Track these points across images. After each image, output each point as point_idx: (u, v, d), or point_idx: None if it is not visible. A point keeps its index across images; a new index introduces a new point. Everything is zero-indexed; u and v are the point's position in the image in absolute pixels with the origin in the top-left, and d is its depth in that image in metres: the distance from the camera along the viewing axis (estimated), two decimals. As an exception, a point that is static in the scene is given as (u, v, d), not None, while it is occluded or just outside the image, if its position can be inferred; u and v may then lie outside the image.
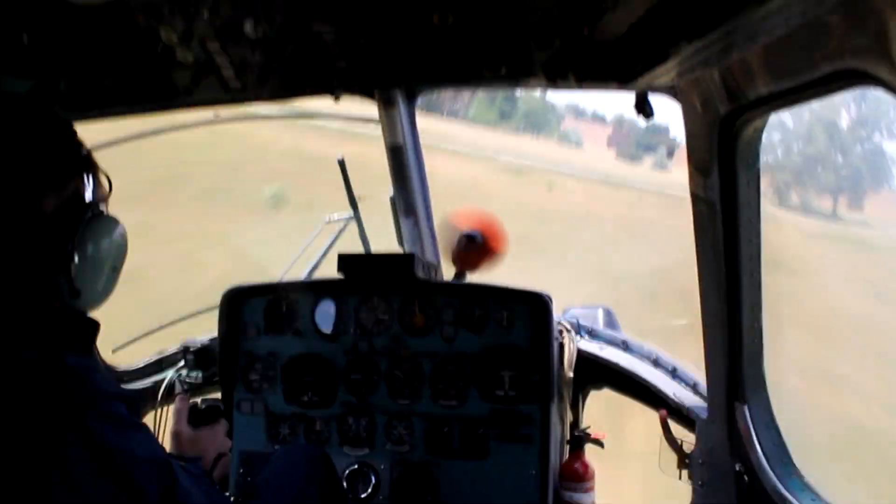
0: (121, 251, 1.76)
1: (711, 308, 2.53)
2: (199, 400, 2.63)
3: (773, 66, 1.76)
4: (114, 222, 1.75)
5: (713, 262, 2.41)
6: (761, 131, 2.12)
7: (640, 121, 2.48)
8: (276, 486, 2.24)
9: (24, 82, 2.33)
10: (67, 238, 1.62)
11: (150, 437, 1.67)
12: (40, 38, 2.24)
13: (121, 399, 1.59)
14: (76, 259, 1.62)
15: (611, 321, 3.60)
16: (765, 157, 2.18)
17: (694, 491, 2.90)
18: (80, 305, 1.67)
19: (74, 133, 1.73)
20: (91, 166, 1.74)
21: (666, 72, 2.11)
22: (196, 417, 2.53)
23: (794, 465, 2.51)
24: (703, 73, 2.06)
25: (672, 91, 2.32)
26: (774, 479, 2.45)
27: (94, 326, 1.71)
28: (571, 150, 51.94)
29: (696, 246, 2.47)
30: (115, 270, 1.75)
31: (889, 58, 1.30)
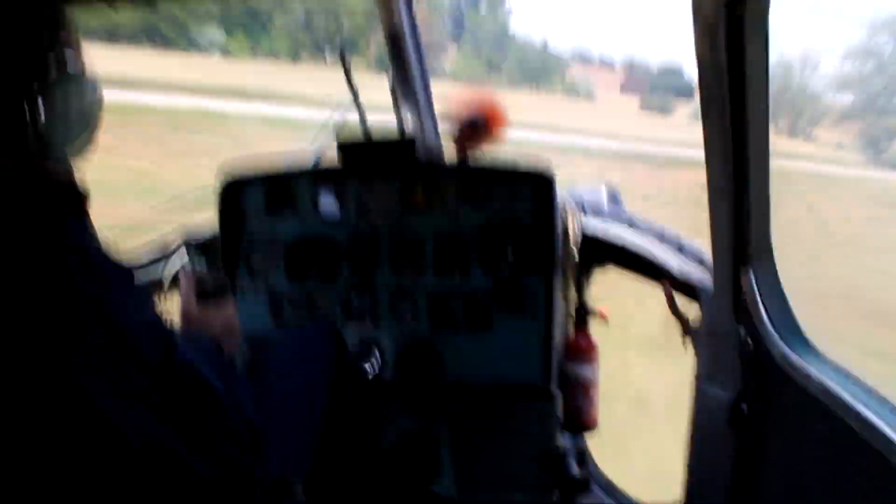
0: (93, 102, 1.73)
1: (717, 173, 2.51)
2: (205, 276, 2.63)
3: None
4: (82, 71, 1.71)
5: (719, 125, 2.38)
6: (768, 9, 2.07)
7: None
8: (287, 360, 2.26)
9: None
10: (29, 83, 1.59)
11: (152, 302, 1.68)
12: None
13: (119, 265, 1.59)
14: (40, 103, 1.59)
15: (615, 199, 3.59)
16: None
17: (698, 361, 2.95)
18: (49, 155, 1.64)
19: None
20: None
21: None
22: (203, 293, 2.54)
23: (799, 327, 2.54)
24: None
25: None
26: (780, 342, 2.48)
27: (84, 195, 1.70)
28: (581, 104, 37.87)
29: (702, 110, 2.43)
30: (86, 120, 1.72)
31: None
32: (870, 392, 2.12)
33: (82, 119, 1.69)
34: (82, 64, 1.73)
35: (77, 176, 1.72)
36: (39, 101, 1.59)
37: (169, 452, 1.57)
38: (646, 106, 39.22)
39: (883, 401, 2.06)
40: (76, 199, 1.68)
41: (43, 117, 1.59)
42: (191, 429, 1.61)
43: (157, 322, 1.63)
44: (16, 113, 1.57)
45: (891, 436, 1.91)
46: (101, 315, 1.48)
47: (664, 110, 38.19)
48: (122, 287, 1.57)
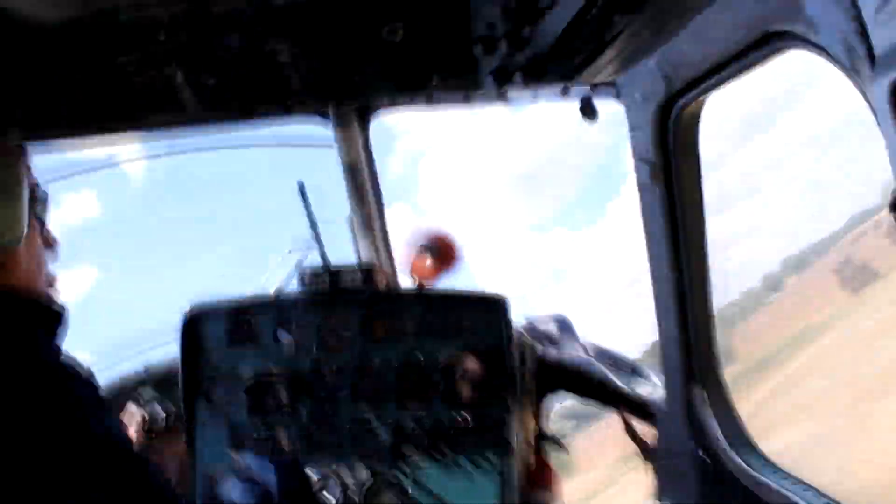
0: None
1: (662, 297, 2.63)
2: (155, 410, 2.61)
3: (702, 44, 1.91)
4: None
5: (661, 250, 2.53)
6: (699, 117, 2.27)
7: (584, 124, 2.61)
8: (247, 488, 2.22)
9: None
10: None
11: (118, 420, 1.68)
12: None
13: (87, 380, 1.61)
14: None
15: (567, 327, 3.67)
16: None
17: (658, 481, 2.97)
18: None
19: None
20: None
21: (607, 63, 2.26)
22: (153, 428, 2.51)
23: (752, 442, 2.60)
24: (640, 64, 2.21)
25: (613, 88, 2.46)
26: (736, 458, 2.53)
27: (60, 311, 1.72)
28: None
29: (645, 237, 2.59)
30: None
31: (802, 15, 1.44)
32: (828, 499, 2.17)
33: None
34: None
35: (54, 294, 1.76)
36: None
37: None
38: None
39: None
40: (50, 315, 1.71)
41: None
42: None
43: (126, 440, 1.63)
44: None
45: None
46: (74, 429, 1.48)
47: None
48: (98, 404, 1.58)
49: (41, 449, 1.44)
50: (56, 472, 1.44)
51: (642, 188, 2.50)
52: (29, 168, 1.75)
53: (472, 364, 3.14)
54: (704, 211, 2.45)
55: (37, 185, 1.78)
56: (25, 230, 1.70)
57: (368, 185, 3.35)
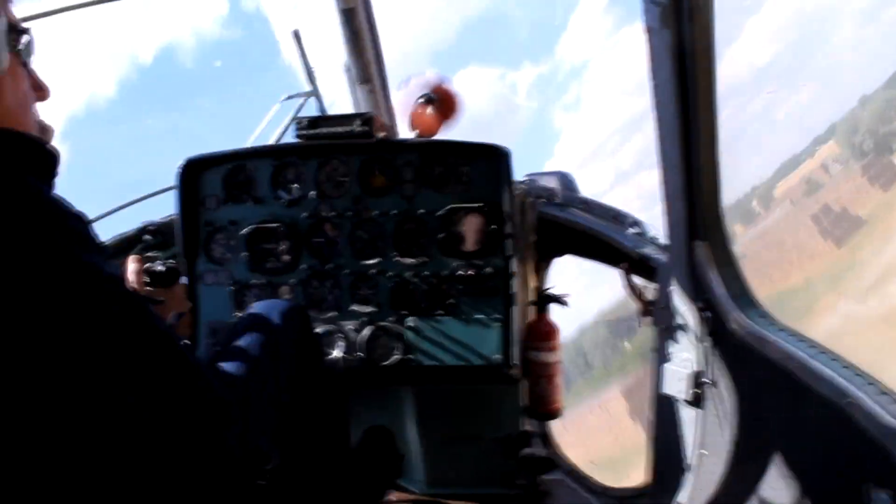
0: None
1: (668, 147, 2.55)
2: (156, 263, 2.58)
3: None
4: None
5: (668, 99, 2.42)
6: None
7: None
8: (252, 338, 2.21)
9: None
10: None
11: (116, 267, 1.64)
12: None
13: (81, 220, 1.56)
14: None
15: (569, 184, 3.61)
16: None
17: (657, 335, 2.98)
18: None
19: None
20: None
21: None
22: (153, 279, 2.49)
23: (752, 295, 2.57)
24: None
25: None
26: (738, 313, 2.51)
27: (54, 154, 1.66)
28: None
29: (652, 83, 2.47)
30: None
31: None
32: (824, 350, 2.16)
33: None
34: None
35: (48, 138, 1.69)
36: None
37: (135, 417, 1.52)
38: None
39: (834, 357, 2.09)
40: (44, 159, 1.64)
41: None
42: (158, 391, 1.55)
43: (122, 279, 1.60)
44: None
45: (846, 387, 1.94)
46: (74, 270, 1.44)
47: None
48: (92, 242, 1.54)
49: (33, 289, 1.41)
50: (49, 310, 1.41)
51: (651, 32, 2.36)
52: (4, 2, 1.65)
53: (471, 215, 3.08)
54: (715, 59, 2.32)
55: (16, 20, 1.67)
56: (5, 62, 1.61)
57: (366, 32, 3.20)
